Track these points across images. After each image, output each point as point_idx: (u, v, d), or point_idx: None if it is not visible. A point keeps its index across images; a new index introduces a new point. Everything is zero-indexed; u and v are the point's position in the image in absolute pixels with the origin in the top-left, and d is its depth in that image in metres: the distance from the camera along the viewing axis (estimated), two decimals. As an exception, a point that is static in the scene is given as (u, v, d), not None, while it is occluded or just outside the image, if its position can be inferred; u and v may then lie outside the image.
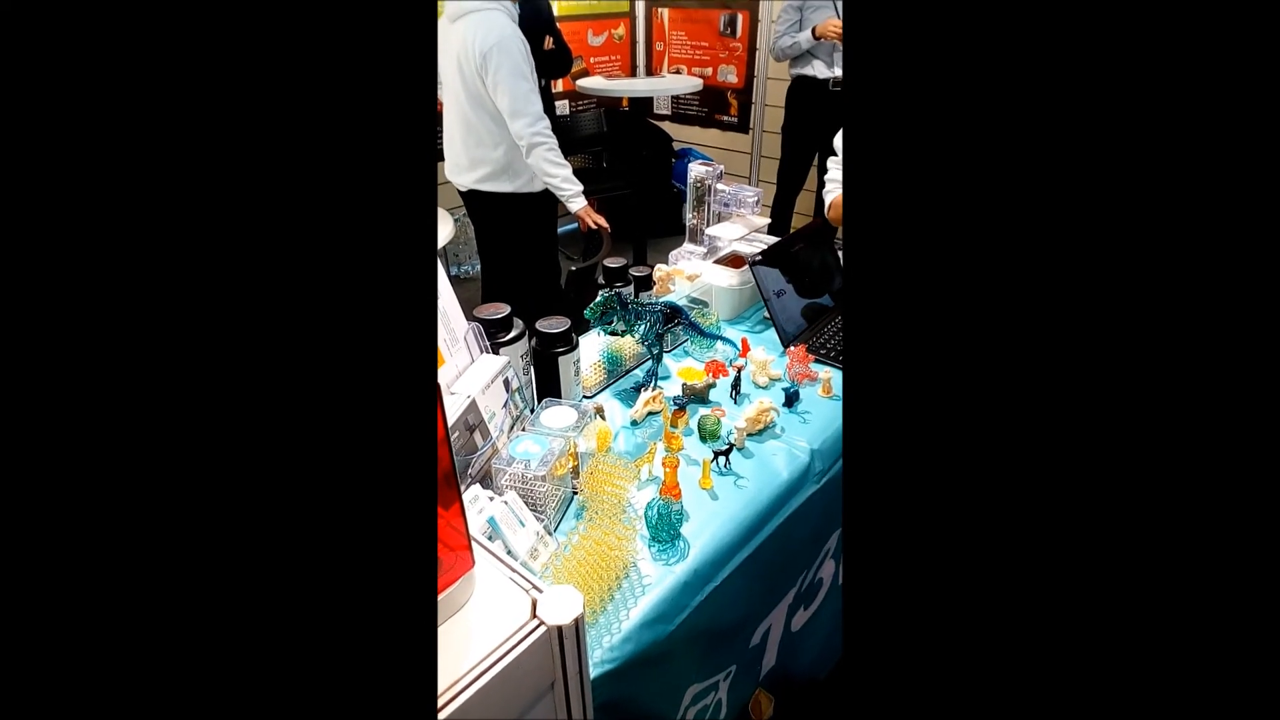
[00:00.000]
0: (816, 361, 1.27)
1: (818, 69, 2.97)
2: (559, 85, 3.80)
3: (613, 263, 1.38)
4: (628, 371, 1.28)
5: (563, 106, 3.91)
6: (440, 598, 0.58)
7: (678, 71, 4.14)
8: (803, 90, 3.06)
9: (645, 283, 1.40)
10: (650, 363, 1.20)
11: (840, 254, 1.56)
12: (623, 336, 1.16)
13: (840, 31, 2.76)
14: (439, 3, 1.96)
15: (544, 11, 2.79)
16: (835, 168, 1.46)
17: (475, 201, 2.23)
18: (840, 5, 2.87)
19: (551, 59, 2.81)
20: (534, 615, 0.60)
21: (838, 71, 2.95)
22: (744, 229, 1.64)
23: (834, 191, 1.43)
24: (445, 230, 2.49)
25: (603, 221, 2.23)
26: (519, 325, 1.07)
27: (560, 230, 2.58)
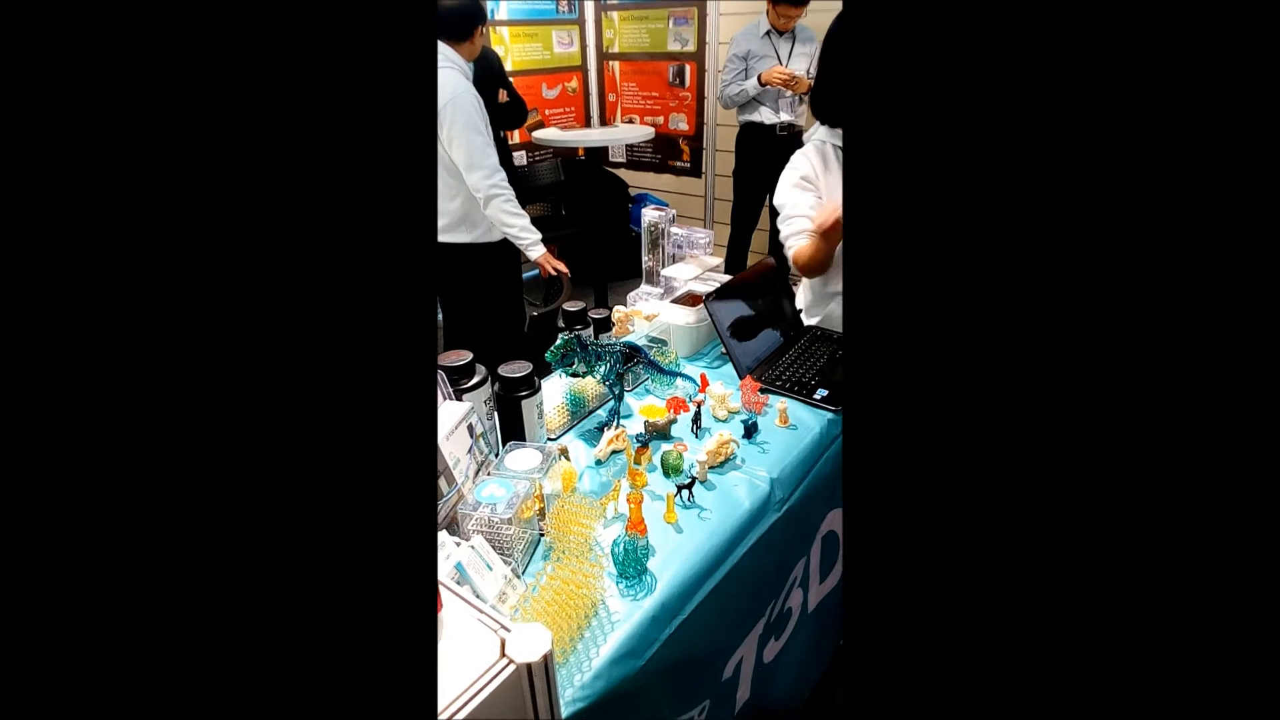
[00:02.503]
0: (774, 393, 1.31)
1: (764, 115, 3.09)
2: (516, 137, 3.88)
3: (572, 306, 1.41)
4: (591, 412, 1.30)
5: (520, 157, 3.99)
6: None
7: (630, 121, 4.26)
8: (751, 136, 3.18)
9: (604, 324, 1.43)
10: (612, 402, 1.22)
11: (794, 289, 1.61)
12: (584, 378, 1.18)
13: (784, 78, 2.89)
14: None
15: (495, 66, 2.88)
16: (785, 225, 1.51)
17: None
18: (782, 54, 3.01)
19: (506, 111, 2.89)
20: (503, 654, 0.61)
21: (784, 116, 3.09)
22: (698, 269, 1.69)
23: (795, 245, 1.49)
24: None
25: (562, 267, 2.27)
26: (481, 371, 1.09)
27: (523, 276, 2.62)
